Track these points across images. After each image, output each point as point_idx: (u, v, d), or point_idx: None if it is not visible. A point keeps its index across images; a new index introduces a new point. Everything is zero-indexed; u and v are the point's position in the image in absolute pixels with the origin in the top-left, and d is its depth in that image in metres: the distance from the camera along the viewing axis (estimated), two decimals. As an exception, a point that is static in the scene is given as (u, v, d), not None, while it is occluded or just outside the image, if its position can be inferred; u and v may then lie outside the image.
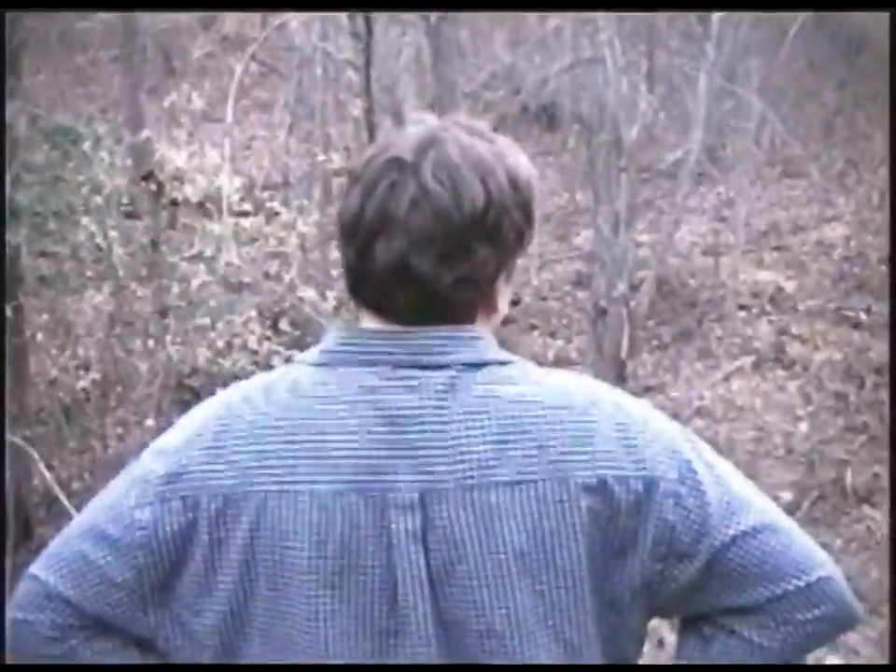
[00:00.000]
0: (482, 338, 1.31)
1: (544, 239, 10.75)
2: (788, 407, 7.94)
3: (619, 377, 7.92)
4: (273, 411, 1.29)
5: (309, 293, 6.06)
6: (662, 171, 10.10)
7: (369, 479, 1.26)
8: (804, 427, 7.73)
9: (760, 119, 9.10)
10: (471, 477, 1.25)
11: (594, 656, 1.29)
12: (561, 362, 9.10)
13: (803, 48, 10.66)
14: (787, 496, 7.05)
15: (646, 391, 8.16)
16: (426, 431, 1.26)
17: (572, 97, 10.31)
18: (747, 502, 1.30)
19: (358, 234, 1.29)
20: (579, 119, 10.38)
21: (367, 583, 1.26)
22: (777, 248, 10.15)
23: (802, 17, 9.33)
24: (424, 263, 1.27)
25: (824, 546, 4.86)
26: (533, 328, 9.70)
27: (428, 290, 1.28)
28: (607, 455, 1.26)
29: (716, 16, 7.97)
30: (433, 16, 5.89)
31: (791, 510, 6.95)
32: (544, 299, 10.07)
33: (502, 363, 1.31)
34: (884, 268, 9.62)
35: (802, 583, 1.29)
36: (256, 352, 6.33)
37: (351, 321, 1.42)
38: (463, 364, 1.28)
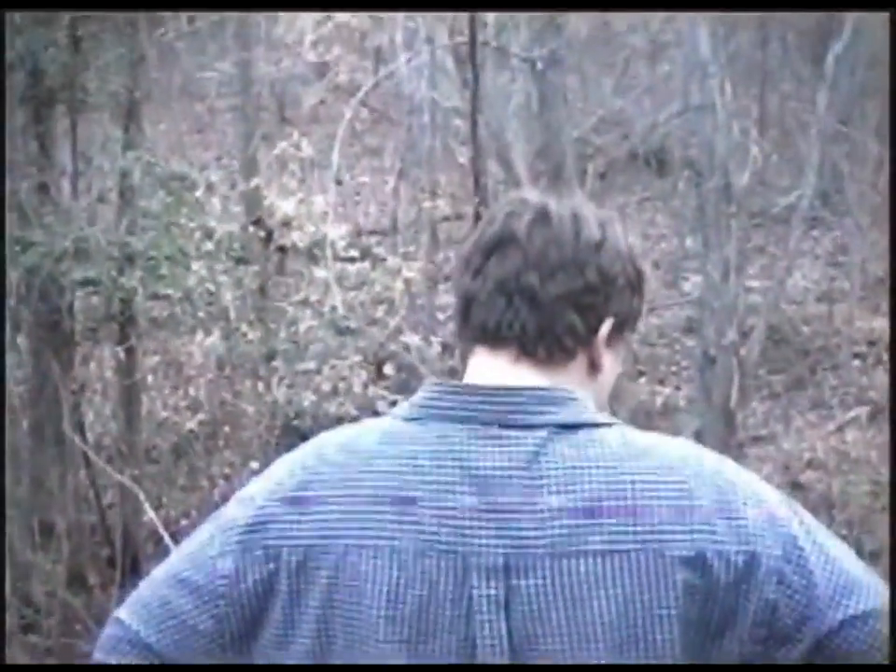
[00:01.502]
0: (577, 398, 1.28)
1: (653, 285, 10.66)
2: (906, 460, 7.68)
3: (728, 427, 7.76)
4: (358, 464, 1.28)
5: (414, 339, 6.09)
6: (774, 216, 9.93)
7: (452, 540, 1.23)
8: (923, 480, 7.46)
9: (876, 163, 8.89)
10: (560, 544, 1.21)
11: None
12: (669, 410, 8.98)
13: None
14: (905, 553, 6.80)
15: (756, 441, 7.99)
16: (513, 494, 1.23)
17: (682, 142, 10.23)
18: (857, 584, 1.23)
19: (473, 259, 1.33)
20: (689, 164, 10.28)
21: (444, 648, 1.23)
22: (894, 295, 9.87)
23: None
24: (534, 277, 1.28)
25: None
26: (641, 374, 9.59)
27: (535, 303, 1.28)
28: (706, 527, 1.21)
29: (830, 57, 7.83)
30: (539, 62, 5.91)
31: (909, 568, 6.70)
32: (652, 345, 9.95)
33: (598, 425, 1.26)
34: None
35: None
36: (360, 396, 6.38)
37: (447, 374, 1.42)
38: (556, 425, 1.25)
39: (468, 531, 1.23)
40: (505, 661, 1.21)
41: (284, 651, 1.27)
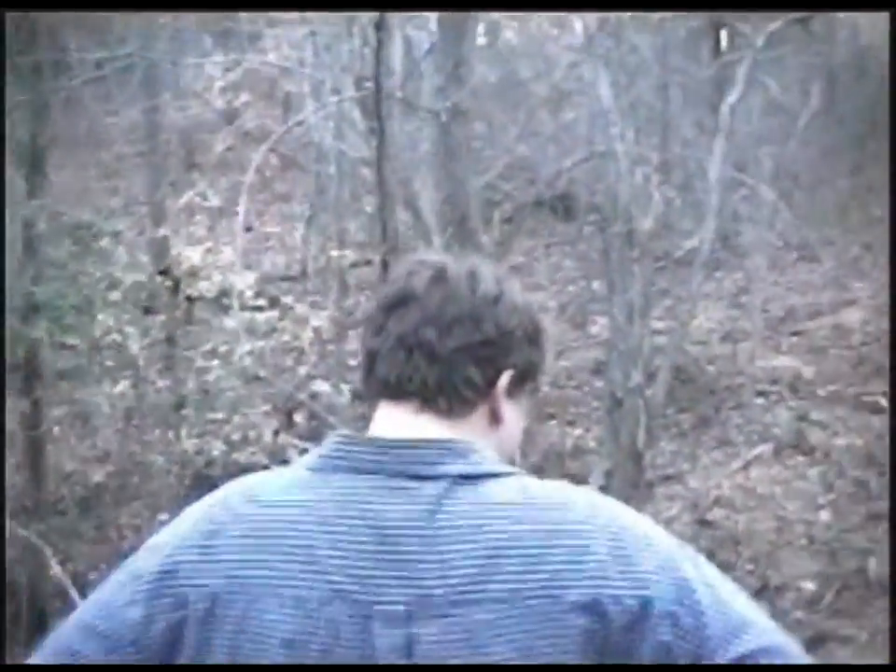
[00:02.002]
0: (478, 450, 1.32)
1: (562, 327, 10.79)
2: (809, 495, 7.86)
3: (636, 467, 7.88)
4: (264, 513, 1.31)
5: (324, 386, 6.10)
6: (678, 259, 10.15)
7: (355, 589, 1.25)
8: (825, 515, 7.64)
9: (771, 208, 9.16)
10: (460, 592, 1.24)
11: None
12: (579, 451, 9.08)
13: (816, 135, 10.77)
14: (809, 586, 6.95)
15: (664, 480, 8.11)
16: (414, 543, 1.26)
17: (587, 188, 10.43)
18: (748, 623, 1.26)
19: (374, 318, 1.38)
20: (594, 209, 10.48)
21: None
22: (795, 334, 10.13)
23: (812, 106, 9.45)
24: (432, 332, 1.33)
25: (849, 639, 4.77)
26: (551, 417, 9.68)
27: (433, 357, 1.32)
28: (601, 572, 1.24)
29: (726, 106, 8.07)
30: (444, 113, 6.00)
31: (814, 601, 6.85)
32: (562, 387, 10.05)
33: (498, 475, 1.30)
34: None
35: None
36: (271, 445, 6.35)
37: (358, 420, 1.48)
38: (457, 476, 1.29)
39: (370, 580, 1.25)
40: None
41: None
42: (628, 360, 7.71)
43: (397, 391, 1.35)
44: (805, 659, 1.29)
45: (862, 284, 10.68)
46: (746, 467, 8.17)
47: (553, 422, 9.61)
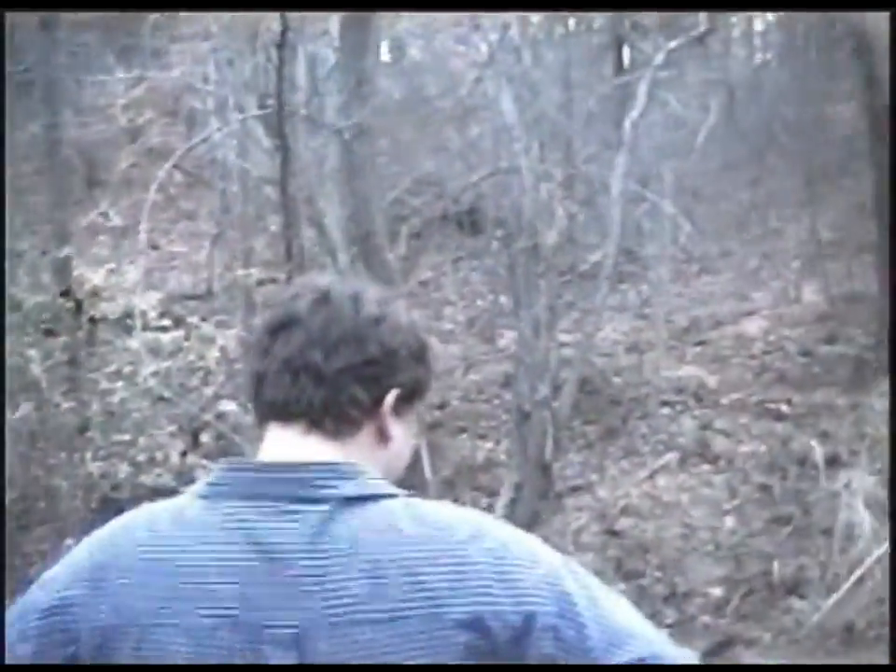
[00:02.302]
0: (363, 472, 1.34)
1: (470, 341, 10.86)
2: (714, 502, 8.00)
3: (545, 478, 7.96)
4: (156, 543, 1.32)
5: (230, 406, 6.06)
6: (583, 273, 10.29)
7: (245, 614, 1.27)
8: (730, 521, 7.79)
9: (672, 222, 9.35)
10: (346, 613, 1.26)
11: None
12: (490, 464, 9.12)
13: (715, 149, 11.02)
14: (717, 591, 7.07)
15: (573, 491, 8.19)
16: (301, 567, 1.27)
17: (493, 203, 10.52)
18: (629, 634, 1.30)
19: (259, 343, 1.39)
20: (500, 224, 10.58)
21: None
22: (699, 344, 10.33)
23: (711, 120, 9.66)
24: (318, 354, 1.34)
25: (754, 641, 4.88)
26: (462, 430, 9.72)
27: (319, 378, 1.34)
28: (483, 590, 1.27)
29: (627, 122, 8.23)
30: (347, 132, 6.02)
31: (720, 605, 6.98)
32: (472, 401, 10.11)
33: (383, 497, 1.33)
34: (801, 359, 9.84)
35: None
36: (178, 466, 6.29)
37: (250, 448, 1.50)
38: (342, 499, 1.31)
39: (260, 604, 1.27)
40: None
41: None
42: (535, 373, 7.79)
43: (284, 413, 1.37)
44: (687, 664, 1.32)
45: (762, 294, 10.94)
46: (652, 476, 8.29)
47: (464, 435, 9.66)
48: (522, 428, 7.94)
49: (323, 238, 7.46)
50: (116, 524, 1.38)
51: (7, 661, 1.32)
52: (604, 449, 8.83)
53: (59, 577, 1.34)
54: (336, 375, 1.35)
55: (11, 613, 1.35)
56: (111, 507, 6.84)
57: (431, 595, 1.26)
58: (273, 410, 1.38)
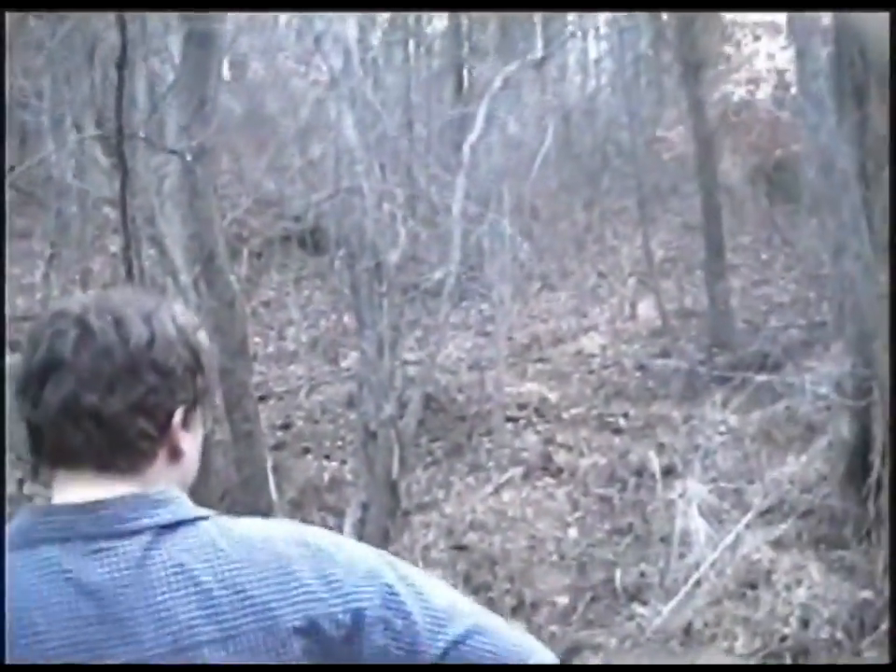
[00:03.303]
0: (172, 498, 1.33)
1: (314, 362, 10.84)
2: (557, 514, 8.19)
3: (393, 496, 8.01)
4: None
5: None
6: (426, 290, 10.41)
7: (82, 658, 1.24)
8: (573, 532, 7.98)
9: (514, 240, 9.55)
10: (179, 640, 1.26)
11: None
12: (336, 484, 9.12)
13: (552, 171, 11.32)
14: (563, 600, 7.24)
15: (420, 508, 8.26)
16: (127, 601, 1.26)
17: (336, 222, 10.55)
18: (451, 612, 1.33)
19: (29, 387, 1.30)
20: (343, 243, 10.60)
21: None
22: (539, 360, 10.56)
23: (548, 141, 9.93)
24: (93, 396, 1.28)
25: (599, 647, 5.04)
26: (307, 451, 9.69)
27: (101, 421, 1.29)
28: (310, 595, 1.29)
29: (466, 146, 8.39)
30: (188, 153, 5.97)
31: (567, 613, 7.14)
32: (316, 421, 10.09)
33: (196, 520, 1.32)
34: (637, 374, 10.18)
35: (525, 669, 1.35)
36: (16, 495, 6.08)
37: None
38: (157, 527, 1.30)
39: (96, 644, 1.24)
40: None
41: None
42: (379, 392, 7.84)
43: (71, 459, 1.31)
44: (514, 634, 1.37)
45: (599, 310, 11.27)
46: (497, 490, 8.44)
47: (310, 456, 9.63)
48: (368, 448, 7.97)
49: (164, 258, 7.36)
50: None
51: None
52: (450, 465, 8.94)
53: None
54: (118, 416, 1.30)
55: None
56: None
57: (262, 609, 1.28)
58: (59, 457, 1.31)
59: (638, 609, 7.13)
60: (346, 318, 11.00)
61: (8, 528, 1.32)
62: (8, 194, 10.09)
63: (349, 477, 9.17)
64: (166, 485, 1.34)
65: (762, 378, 9.19)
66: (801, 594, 6.66)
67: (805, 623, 6.46)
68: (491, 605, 7.21)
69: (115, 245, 5.86)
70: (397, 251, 8.17)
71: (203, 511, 1.34)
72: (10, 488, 6.16)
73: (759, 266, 10.71)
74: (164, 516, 1.30)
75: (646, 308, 11.05)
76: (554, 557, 7.75)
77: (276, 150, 10.74)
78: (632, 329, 10.84)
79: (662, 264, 11.15)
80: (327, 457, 9.59)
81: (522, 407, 9.72)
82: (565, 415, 9.63)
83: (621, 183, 11.57)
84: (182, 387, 1.34)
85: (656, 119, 10.86)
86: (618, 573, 7.40)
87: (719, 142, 9.76)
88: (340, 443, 9.80)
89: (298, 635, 1.28)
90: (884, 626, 6.09)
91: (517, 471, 8.73)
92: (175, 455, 1.36)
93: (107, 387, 1.29)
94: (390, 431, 7.68)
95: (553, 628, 7.02)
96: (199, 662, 1.25)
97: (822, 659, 6.20)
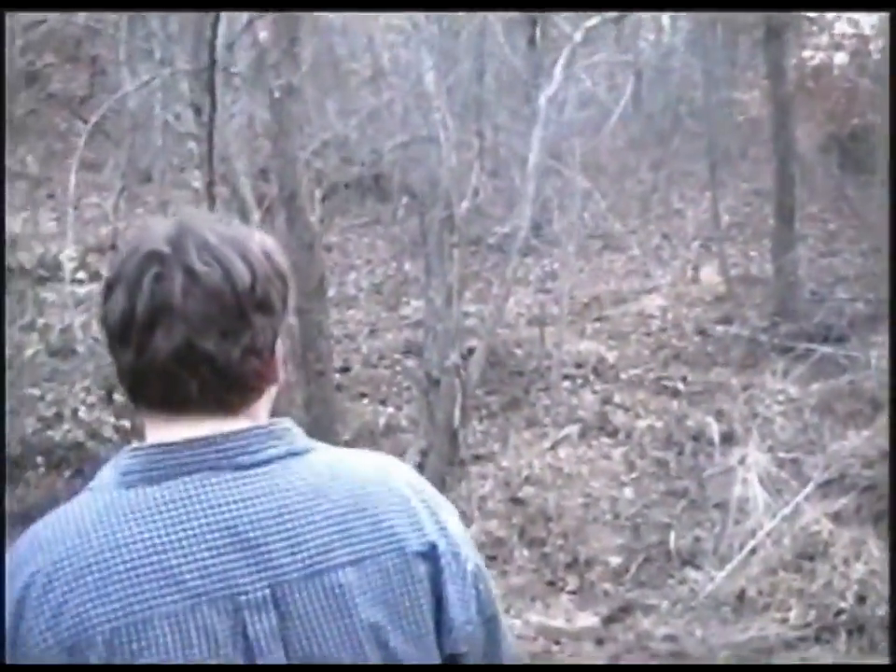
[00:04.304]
0: (290, 429, 1.36)
1: (374, 308, 10.87)
2: (613, 473, 8.20)
3: (451, 445, 8.04)
4: (98, 543, 1.26)
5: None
6: (490, 244, 10.38)
7: (217, 587, 1.26)
8: (628, 492, 7.99)
9: (583, 196, 9.48)
10: (316, 563, 1.29)
11: None
12: (391, 430, 9.17)
13: (623, 129, 11.20)
14: (616, 559, 7.26)
15: (477, 459, 8.29)
16: (260, 528, 1.28)
17: (403, 170, 10.51)
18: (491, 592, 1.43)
19: (133, 333, 1.27)
20: (409, 191, 10.57)
21: None
22: (599, 319, 10.53)
23: (622, 101, 9.82)
24: (208, 343, 1.28)
25: (651, 609, 5.09)
26: (363, 395, 9.75)
27: (218, 368, 1.29)
28: (423, 523, 1.36)
29: (543, 98, 8.30)
30: (276, 91, 5.95)
31: (619, 573, 7.17)
32: (374, 367, 10.14)
33: (315, 449, 1.36)
34: (698, 337, 10.13)
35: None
36: (87, 421, 6.18)
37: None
38: (282, 456, 1.32)
39: (229, 573, 1.26)
40: None
41: None
42: (445, 341, 7.85)
43: (181, 403, 1.31)
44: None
45: (662, 272, 11.19)
46: (554, 447, 8.45)
47: (366, 400, 9.69)
48: (430, 395, 8.00)
49: (235, 195, 7.38)
50: (40, 540, 1.28)
51: None
52: (506, 419, 8.96)
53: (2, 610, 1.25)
54: (233, 361, 1.30)
55: None
56: (17, 464, 6.67)
57: (391, 533, 1.33)
58: (167, 401, 1.31)
59: (691, 573, 7.14)
60: (407, 266, 11.00)
61: (106, 470, 1.32)
62: (76, 125, 10.13)
63: (404, 423, 9.22)
64: (266, 416, 1.37)
65: (825, 350, 9.13)
66: (859, 569, 6.63)
67: (861, 599, 6.44)
68: (545, 560, 7.25)
69: (196, 180, 5.87)
70: (466, 202, 8.13)
71: (316, 442, 1.38)
72: (82, 414, 6.26)
73: (826, 237, 10.58)
74: (286, 447, 1.33)
75: (709, 273, 10.96)
76: (609, 517, 7.76)
77: (348, 93, 10.69)
78: (694, 294, 10.76)
79: (728, 229, 11.04)
80: (382, 403, 9.65)
81: (580, 365, 9.71)
82: (622, 376, 9.61)
83: (691, 145, 11.43)
84: (280, 321, 1.36)
85: (732, 80, 10.70)
86: (672, 536, 7.40)
87: (795, 107, 9.60)
88: (396, 390, 9.85)
89: (420, 559, 1.33)
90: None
91: (574, 429, 8.73)
92: (274, 379, 1.37)
93: (220, 333, 1.28)
94: (454, 380, 7.70)
95: (606, 586, 7.05)
96: (335, 585, 1.28)
97: (878, 638, 6.19)
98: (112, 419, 6.23)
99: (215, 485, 1.28)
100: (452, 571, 1.36)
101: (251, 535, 1.27)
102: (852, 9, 8.43)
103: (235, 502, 1.28)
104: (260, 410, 1.36)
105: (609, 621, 6.62)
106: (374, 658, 1.30)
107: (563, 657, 6.24)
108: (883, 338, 8.88)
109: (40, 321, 5.58)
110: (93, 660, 1.21)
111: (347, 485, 1.33)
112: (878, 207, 10.25)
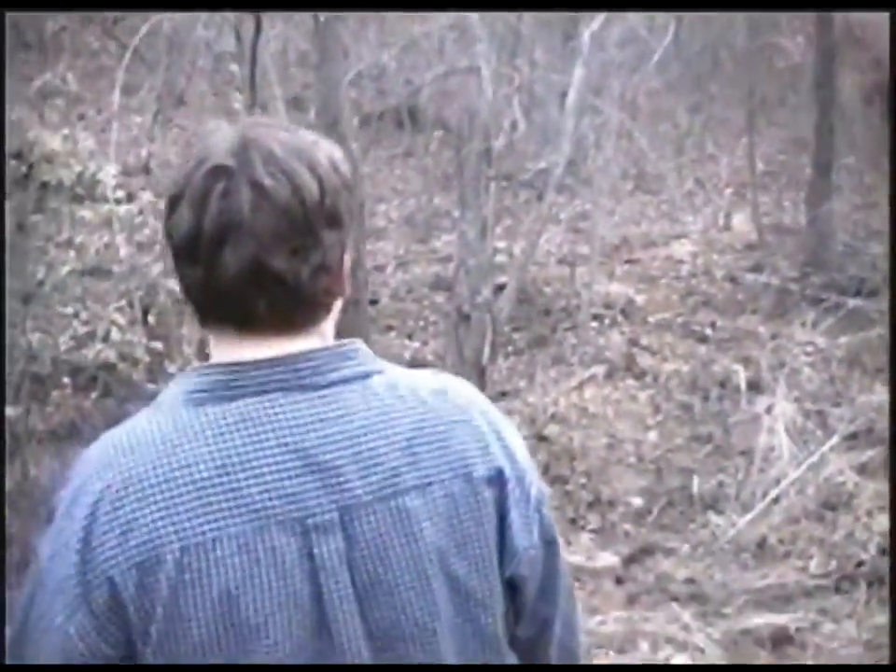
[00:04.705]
0: (360, 349, 1.35)
1: (404, 240, 10.83)
2: (638, 416, 8.21)
3: (479, 381, 8.05)
4: (167, 461, 1.25)
5: (178, 285, 5.96)
6: (522, 181, 10.30)
7: (287, 509, 1.25)
8: (652, 435, 8.01)
9: (619, 135, 9.38)
10: (384, 487, 1.29)
11: (500, 638, 1.37)
12: (418, 364, 9.20)
13: (660, 70, 11.04)
14: (638, 501, 7.30)
15: (502, 396, 8.31)
16: (331, 450, 1.27)
17: (437, 102, 10.42)
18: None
19: (201, 250, 1.25)
20: (442, 124, 10.48)
21: (299, 612, 1.25)
22: (629, 262, 10.48)
23: (667, 40, 9.67)
24: (279, 260, 1.25)
25: (672, 552, 5.09)
26: (390, 328, 9.76)
27: (289, 286, 1.27)
28: (490, 447, 1.36)
29: (587, 34, 8.19)
30: (321, 15, 5.89)
31: (642, 514, 7.21)
32: (402, 300, 10.14)
33: (383, 371, 1.35)
34: (727, 284, 10.08)
35: None
36: (119, 342, 6.19)
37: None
38: (352, 378, 1.31)
39: (298, 496, 1.25)
40: (353, 608, 1.26)
41: (161, 658, 1.23)
42: (478, 276, 7.83)
43: (249, 321, 1.29)
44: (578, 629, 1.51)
45: (694, 218, 11.11)
46: (580, 386, 8.46)
47: (392, 334, 9.70)
48: (459, 330, 7.99)
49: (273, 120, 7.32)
50: (109, 454, 1.27)
51: (63, 651, 1.23)
52: (532, 356, 8.97)
53: (71, 534, 1.24)
54: (303, 279, 1.28)
55: (40, 597, 1.24)
56: (49, 381, 6.70)
57: (458, 458, 1.33)
58: (239, 319, 1.29)
59: (713, 518, 7.17)
60: (437, 200, 10.94)
61: (172, 387, 1.31)
62: (110, 45, 10.06)
63: (430, 358, 9.23)
64: (332, 332, 1.36)
65: (856, 303, 9.07)
66: (882, 521, 6.64)
67: (883, 551, 6.46)
68: (567, 498, 7.29)
69: (237, 102, 5.82)
70: (502, 137, 8.07)
71: (384, 363, 1.37)
72: (115, 335, 6.27)
73: (863, 189, 10.46)
74: (357, 368, 1.32)
75: (741, 221, 10.87)
76: (632, 459, 7.79)
77: (383, 23, 10.57)
78: (725, 241, 10.69)
79: (762, 177, 10.93)
80: (409, 337, 9.66)
81: (608, 307, 9.68)
82: (650, 319, 9.59)
83: (729, 89, 11.28)
84: (348, 234, 1.33)
85: (775, 23, 10.52)
86: (695, 480, 7.43)
87: (841, 55, 9.45)
88: (423, 324, 9.85)
89: (486, 483, 1.33)
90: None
91: (600, 370, 8.73)
92: (341, 293, 1.35)
93: (290, 251, 1.26)
94: (485, 315, 7.69)
95: (627, 527, 7.09)
96: (402, 509, 1.28)
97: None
98: (145, 340, 6.24)
99: (285, 406, 1.27)
100: (517, 496, 1.36)
101: (321, 458, 1.26)
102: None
103: (306, 424, 1.27)
104: (328, 327, 1.35)
105: (629, 561, 6.66)
106: (437, 583, 1.30)
107: (582, 595, 6.30)
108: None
109: (77, 239, 5.58)
110: (162, 578, 1.21)
111: (416, 408, 1.33)
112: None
